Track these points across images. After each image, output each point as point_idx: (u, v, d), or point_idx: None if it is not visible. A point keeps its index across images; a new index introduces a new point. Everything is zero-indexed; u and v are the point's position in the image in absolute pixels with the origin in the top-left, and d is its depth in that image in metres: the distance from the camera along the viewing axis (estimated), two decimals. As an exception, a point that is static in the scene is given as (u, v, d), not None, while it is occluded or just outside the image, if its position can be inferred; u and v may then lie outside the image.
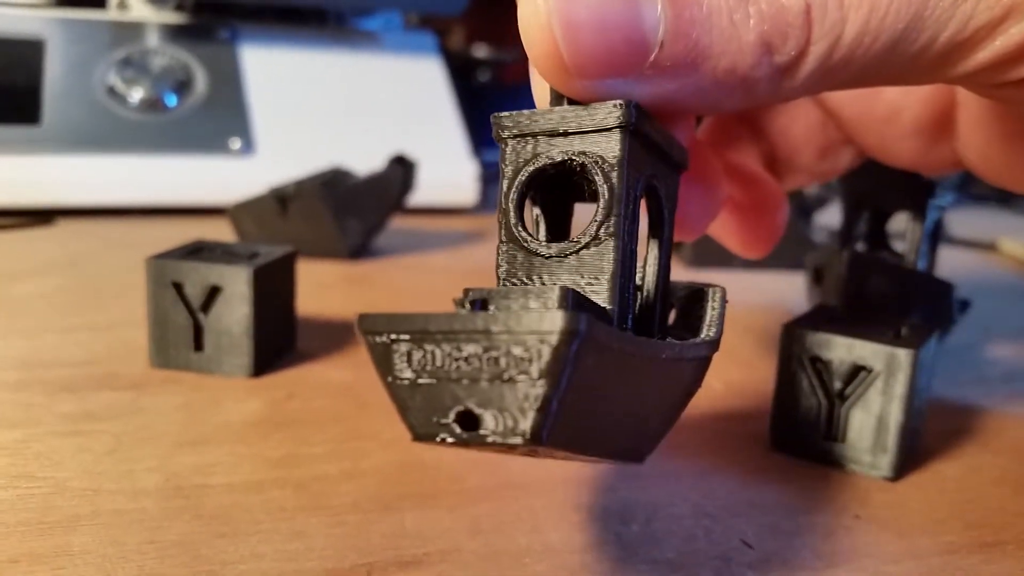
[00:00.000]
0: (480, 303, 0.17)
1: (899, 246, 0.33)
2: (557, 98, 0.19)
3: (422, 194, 0.56)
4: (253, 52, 0.61)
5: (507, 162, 0.20)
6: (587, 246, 0.18)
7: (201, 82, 0.58)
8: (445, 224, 0.59)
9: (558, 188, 0.20)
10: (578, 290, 0.18)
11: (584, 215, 0.21)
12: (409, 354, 0.16)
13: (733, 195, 0.27)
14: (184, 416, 0.27)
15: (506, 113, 0.19)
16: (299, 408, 0.28)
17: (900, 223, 0.33)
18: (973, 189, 0.75)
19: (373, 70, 0.65)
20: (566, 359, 0.14)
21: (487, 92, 0.92)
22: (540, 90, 0.23)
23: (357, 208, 0.48)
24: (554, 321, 0.14)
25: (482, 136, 0.77)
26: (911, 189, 0.32)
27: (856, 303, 0.31)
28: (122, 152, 0.54)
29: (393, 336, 0.16)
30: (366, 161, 0.54)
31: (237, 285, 0.30)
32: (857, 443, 0.25)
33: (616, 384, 0.16)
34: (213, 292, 0.30)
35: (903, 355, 0.24)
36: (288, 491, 0.23)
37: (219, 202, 0.55)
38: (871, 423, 0.25)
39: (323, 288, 0.43)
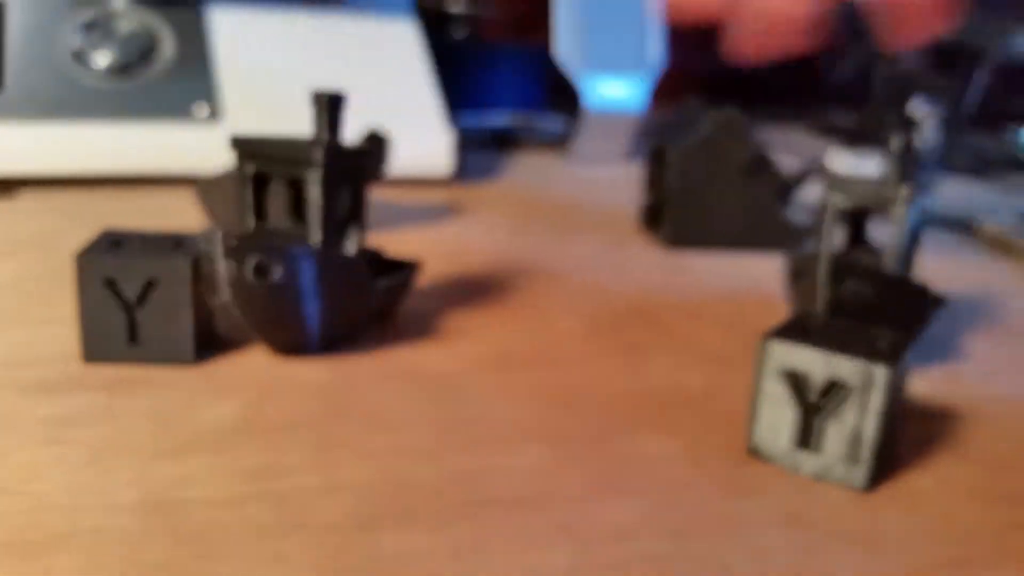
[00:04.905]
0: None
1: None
2: None
3: (395, 164, 0.55)
4: (222, 15, 0.60)
5: None
6: None
7: (168, 47, 0.57)
8: (420, 196, 0.58)
9: None
10: None
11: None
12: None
13: None
14: (158, 421, 0.27)
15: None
16: (272, 412, 0.28)
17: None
18: (951, 161, 0.76)
19: (344, 32, 0.63)
20: None
21: (464, 50, 0.90)
22: None
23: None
24: None
25: (458, 99, 0.76)
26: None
27: (834, 307, 0.31)
28: (87, 120, 0.53)
29: None
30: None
31: (176, 277, 0.30)
32: (832, 454, 0.26)
33: None
34: (148, 286, 0.30)
35: (879, 372, 0.25)
36: (266, 507, 0.23)
37: (186, 170, 0.54)
38: (846, 436, 0.25)
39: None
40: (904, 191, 0.32)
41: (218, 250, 0.29)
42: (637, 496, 0.25)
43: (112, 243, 0.31)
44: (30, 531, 0.21)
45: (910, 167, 0.33)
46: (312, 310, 0.31)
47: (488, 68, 0.86)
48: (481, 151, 0.73)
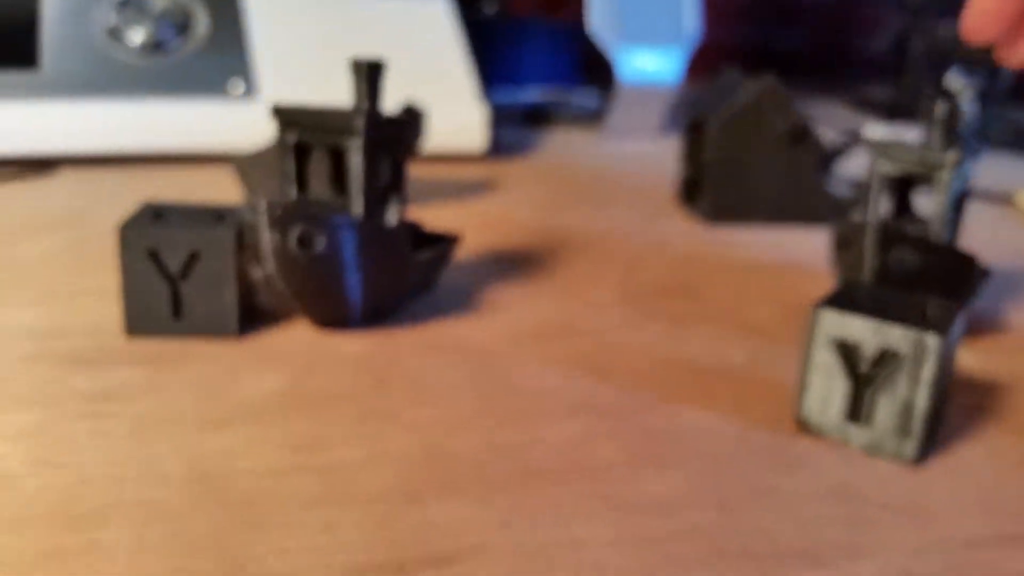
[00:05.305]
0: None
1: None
2: None
3: (430, 140, 0.55)
4: (255, -9, 0.60)
5: None
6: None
7: (202, 23, 0.57)
8: (455, 172, 0.58)
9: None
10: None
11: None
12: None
13: None
14: (202, 394, 0.27)
15: None
16: (316, 384, 0.28)
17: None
18: (989, 135, 0.74)
19: (377, 9, 0.63)
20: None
21: (494, 26, 0.89)
22: None
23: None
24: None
25: (491, 76, 0.75)
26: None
27: (881, 276, 0.31)
28: (123, 97, 0.53)
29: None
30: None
31: (219, 249, 0.30)
32: (883, 427, 0.25)
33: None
34: (192, 258, 0.30)
35: (931, 341, 0.24)
36: (312, 478, 0.23)
37: (223, 147, 0.54)
38: (897, 407, 0.25)
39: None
40: (951, 156, 0.32)
41: (263, 220, 0.29)
42: (680, 468, 0.24)
43: (154, 215, 0.31)
44: (74, 504, 0.21)
45: (954, 133, 0.33)
46: (354, 281, 0.31)
47: (520, 44, 0.85)
48: (515, 127, 0.73)
